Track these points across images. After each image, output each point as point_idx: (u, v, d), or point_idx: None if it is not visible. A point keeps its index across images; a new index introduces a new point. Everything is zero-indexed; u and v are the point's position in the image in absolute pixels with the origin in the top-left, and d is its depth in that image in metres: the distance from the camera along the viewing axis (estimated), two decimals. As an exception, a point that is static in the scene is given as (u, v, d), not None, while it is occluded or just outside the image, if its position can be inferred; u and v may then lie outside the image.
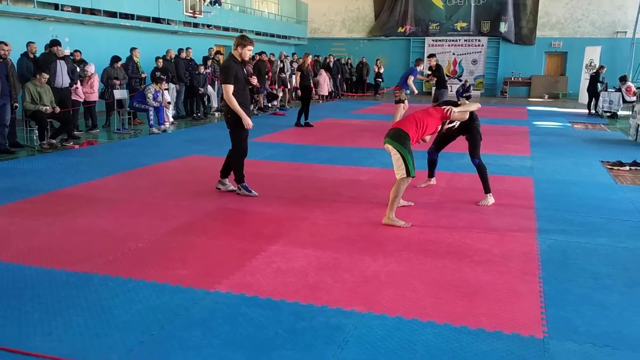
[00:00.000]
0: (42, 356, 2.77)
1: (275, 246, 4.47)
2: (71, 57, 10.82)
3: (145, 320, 3.17)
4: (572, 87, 22.85)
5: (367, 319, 3.23)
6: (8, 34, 10.59)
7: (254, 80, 6.16)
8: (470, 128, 5.99)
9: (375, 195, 6.20)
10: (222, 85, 5.87)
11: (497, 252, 4.39)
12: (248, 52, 5.94)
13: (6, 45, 8.46)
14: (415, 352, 2.87)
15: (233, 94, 5.80)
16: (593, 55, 19.94)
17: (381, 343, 2.95)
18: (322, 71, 19.98)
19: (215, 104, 14.97)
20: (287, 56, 18.67)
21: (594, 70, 16.58)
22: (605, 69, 16.63)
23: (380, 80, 23.36)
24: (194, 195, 6.08)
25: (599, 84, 16.00)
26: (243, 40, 5.91)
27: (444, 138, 6.36)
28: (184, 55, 13.84)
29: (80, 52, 11.51)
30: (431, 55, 12.80)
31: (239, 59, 5.93)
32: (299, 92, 12.52)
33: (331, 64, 21.66)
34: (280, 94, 17.49)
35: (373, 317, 3.25)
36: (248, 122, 5.89)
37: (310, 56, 13.63)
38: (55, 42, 10.00)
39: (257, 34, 21.79)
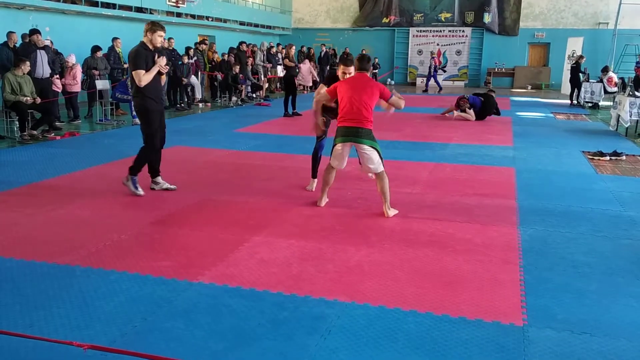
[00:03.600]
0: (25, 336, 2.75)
1: (259, 237, 4.47)
2: (51, 48, 10.66)
3: (127, 312, 3.16)
4: (555, 78, 23.05)
5: (349, 308, 3.25)
6: (-13, 23, 10.42)
7: (165, 68, 5.70)
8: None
9: (359, 186, 6.22)
10: (132, 72, 5.46)
11: (479, 242, 4.43)
12: (159, 38, 5.56)
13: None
14: (397, 341, 2.90)
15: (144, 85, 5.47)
16: (575, 46, 20.11)
17: (363, 332, 2.98)
18: (307, 61, 19.94)
19: (198, 94, 14.88)
20: (273, 46, 18.62)
21: (574, 62, 16.71)
22: (585, 59, 16.78)
23: (375, 71, 23.41)
24: (177, 186, 6.05)
25: (580, 74, 16.14)
26: (153, 26, 5.53)
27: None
28: (166, 45, 13.70)
29: (52, 42, 11.31)
30: None
31: (150, 47, 5.55)
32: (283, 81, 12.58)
33: (322, 54, 21.70)
34: (266, 85, 17.43)
35: (356, 306, 3.28)
36: (162, 62, 5.49)
37: (294, 47, 13.66)
38: (34, 32, 9.85)
39: (241, 23, 21.67)
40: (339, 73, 5.35)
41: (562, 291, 3.54)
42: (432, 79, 21.41)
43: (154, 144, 5.72)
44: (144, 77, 5.44)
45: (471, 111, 12.44)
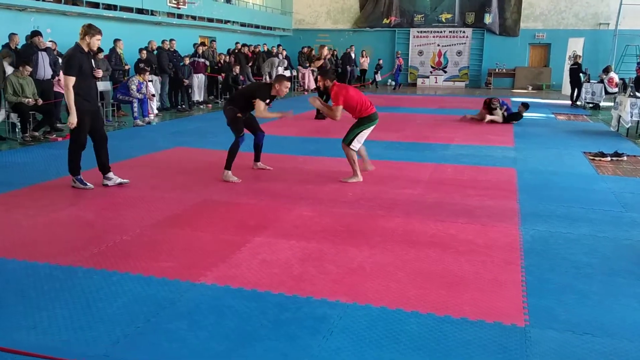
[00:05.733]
0: (26, 354, 2.75)
1: (260, 237, 4.48)
2: (53, 50, 10.68)
3: (130, 313, 3.17)
4: (556, 79, 23.05)
5: (351, 309, 3.26)
6: (-12, 25, 10.44)
7: (99, 73, 6.02)
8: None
9: (360, 186, 6.22)
10: (64, 76, 5.65)
11: (481, 243, 4.44)
12: (97, 42, 5.73)
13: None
14: (400, 342, 2.90)
15: (76, 85, 5.61)
16: (576, 46, 20.10)
17: (366, 333, 2.99)
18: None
19: (196, 96, 14.84)
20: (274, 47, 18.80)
21: (573, 62, 16.71)
22: (581, 58, 16.77)
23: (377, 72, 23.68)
24: (179, 187, 6.06)
25: (581, 74, 16.13)
26: (91, 29, 5.66)
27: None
28: (167, 46, 13.73)
29: (55, 43, 11.33)
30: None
31: (86, 49, 5.71)
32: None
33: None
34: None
35: (358, 307, 3.28)
36: (72, 120, 5.67)
37: (327, 48, 13.33)
38: (36, 33, 9.87)
39: (242, 25, 21.68)
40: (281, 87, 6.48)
41: (564, 292, 3.54)
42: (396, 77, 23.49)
43: (79, 141, 5.92)
44: (69, 84, 5.59)
45: (499, 111, 12.07)
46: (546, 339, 2.96)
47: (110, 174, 6.13)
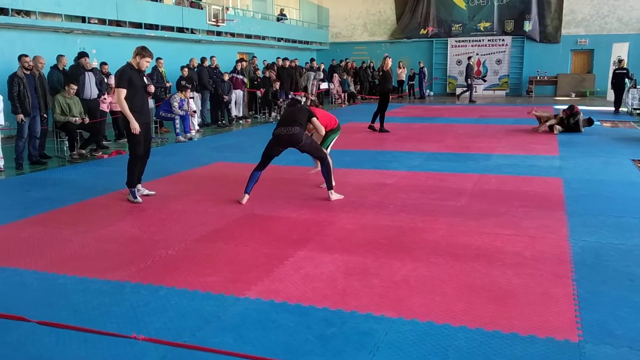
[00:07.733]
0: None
1: (303, 251, 4.48)
2: (99, 70, 11.01)
3: (177, 327, 3.20)
4: (600, 85, 22.45)
5: (397, 324, 3.21)
6: (37, 47, 10.85)
7: (152, 89, 6.42)
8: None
9: (401, 199, 6.17)
10: (115, 88, 6.15)
11: (528, 255, 4.32)
12: (145, 63, 6.17)
13: (41, 59, 8.69)
14: (448, 357, 2.84)
15: (127, 98, 6.00)
16: (621, 51, 19.56)
17: (413, 348, 2.93)
18: (336, 75, 20.67)
19: (234, 112, 15.02)
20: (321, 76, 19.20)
21: (618, 67, 16.20)
22: (626, 62, 16.29)
23: (413, 82, 23.82)
24: (221, 202, 6.13)
25: (627, 80, 15.65)
26: (142, 51, 6.14)
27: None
28: (207, 63, 14.00)
29: (107, 65, 11.71)
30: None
31: (136, 67, 6.13)
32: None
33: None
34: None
35: (403, 322, 3.23)
36: (134, 126, 6.03)
37: (390, 58, 12.82)
38: (82, 54, 10.21)
39: (279, 40, 21.94)
40: None
41: (619, 306, 3.41)
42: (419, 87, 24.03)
43: (137, 153, 6.26)
44: (121, 96, 5.99)
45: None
46: (601, 354, 2.85)
47: (139, 186, 6.45)
